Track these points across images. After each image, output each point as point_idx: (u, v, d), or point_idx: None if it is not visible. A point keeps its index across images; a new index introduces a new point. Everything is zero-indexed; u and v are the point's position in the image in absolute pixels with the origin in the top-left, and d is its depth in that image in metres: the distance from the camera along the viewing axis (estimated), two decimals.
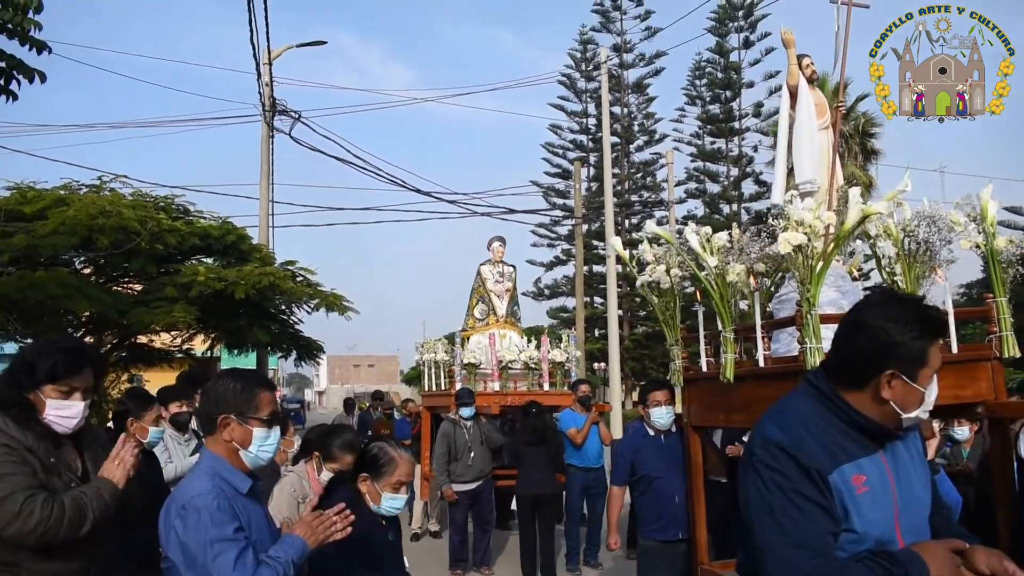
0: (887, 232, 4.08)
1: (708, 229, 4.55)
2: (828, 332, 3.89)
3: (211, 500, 2.34)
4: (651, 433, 5.24)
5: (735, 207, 40.11)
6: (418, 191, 17.59)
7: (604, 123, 21.39)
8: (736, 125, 39.80)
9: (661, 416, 5.15)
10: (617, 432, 18.88)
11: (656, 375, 42.34)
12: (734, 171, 40.29)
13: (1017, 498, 3.85)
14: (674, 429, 5.22)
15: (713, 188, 40.94)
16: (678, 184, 36.60)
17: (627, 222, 40.62)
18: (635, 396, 41.41)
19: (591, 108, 41.60)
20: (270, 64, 16.66)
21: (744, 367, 4.31)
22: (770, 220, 4.19)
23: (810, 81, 4.82)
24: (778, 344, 4.58)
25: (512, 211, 20.49)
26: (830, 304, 4.51)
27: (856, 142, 31.13)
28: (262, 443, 2.54)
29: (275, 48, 17.06)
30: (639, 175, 41.33)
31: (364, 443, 3.41)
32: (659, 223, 38.68)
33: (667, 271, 4.83)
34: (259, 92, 16.73)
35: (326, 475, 4.21)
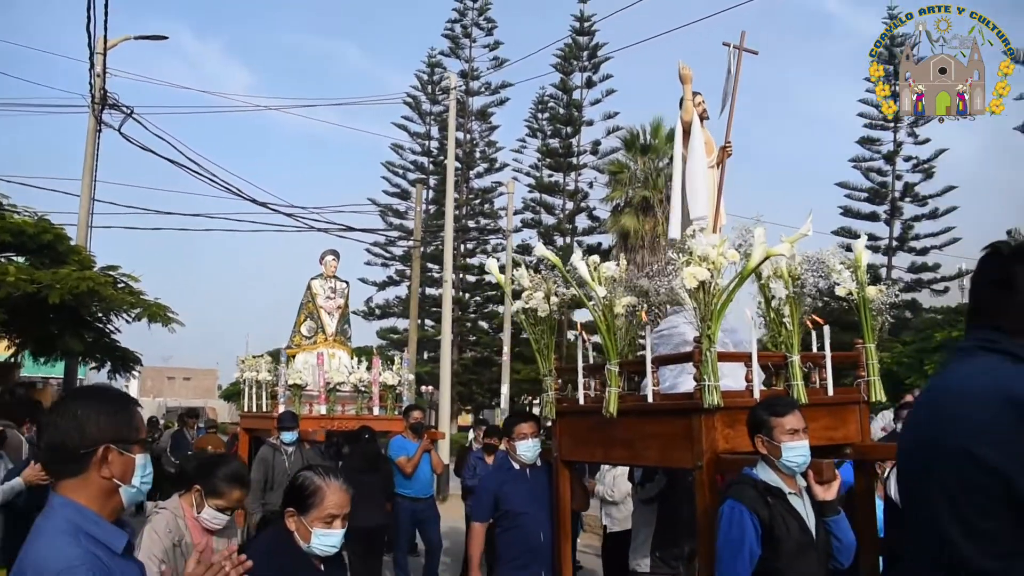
0: (777, 273, 4.08)
1: (596, 258, 4.41)
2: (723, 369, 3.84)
3: (85, 574, 1.82)
4: (516, 467, 5.01)
5: (569, 240, 41.11)
6: (255, 201, 16.71)
7: (450, 148, 21.28)
8: (574, 160, 40.89)
9: (528, 449, 4.94)
10: (446, 458, 18.60)
11: (482, 401, 42.47)
12: (569, 204, 41.33)
13: (882, 536, 3.91)
14: (539, 463, 5.02)
15: (548, 220, 41.81)
16: (515, 213, 37.10)
17: (463, 247, 40.67)
18: (460, 421, 41.34)
19: (434, 131, 41.55)
20: (104, 53, 15.34)
21: (628, 402, 4.18)
22: (670, 254, 4.10)
23: (701, 119, 4.82)
24: (667, 380, 4.50)
25: (350, 228, 19.95)
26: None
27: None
28: (143, 472, 2.07)
29: (112, 37, 15.72)
30: (478, 201, 41.59)
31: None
32: (495, 250, 38.84)
33: (546, 298, 4.65)
34: (90, 83, 15.36)
35: (209, 513, 3.56)
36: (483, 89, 41.04)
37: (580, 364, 4.53)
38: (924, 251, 37.65)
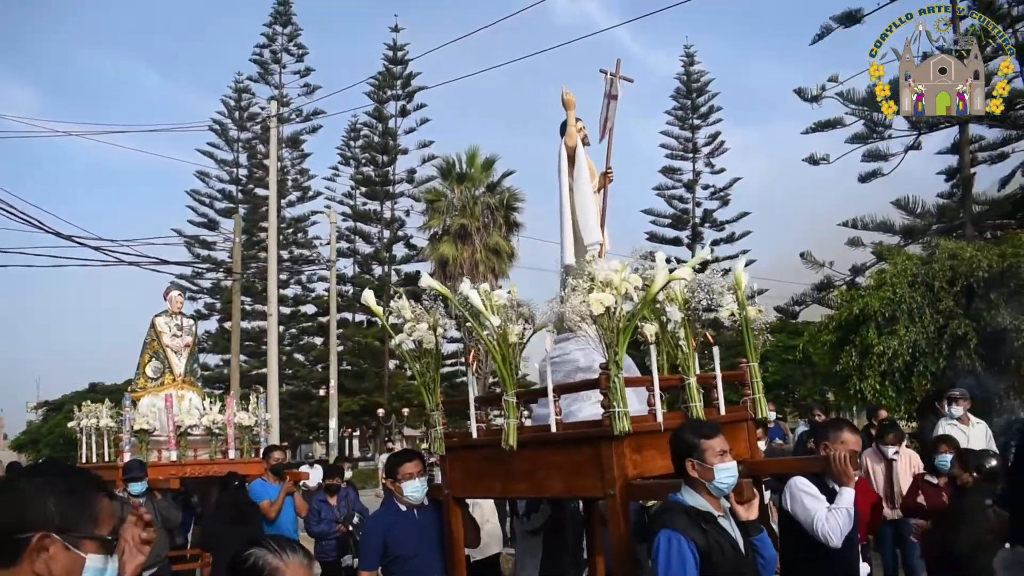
0: (670, 297, 4.10)
1: (487, 286, 4.27)
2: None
3: None
4: (403, 509, 4.74)
5: (386, 268, 40.71)
6: (59, 234, 15.13)
7: (272, 175, 20.45)
8: (390, 189, 40.63)
9: (415, 490, 4.69)
10: None
11: (300, 436, 40.93)
12: (386, 233, 40.95)
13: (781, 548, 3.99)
14: (426, 502, 4.78)
15: (365, 248, 41.23)
16: (328, 243, 36.29)
17: (277, 278, 39.19)
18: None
19: (243, 158, 39.99)
20: None
21: (528, 432, 4.05)
22: (569, 279, 4.03)
23: (583, 144, 4.81)
24: (547, 408, 4.40)
25: (164, 261, 18.51)
26: (587, 370, 4.46)
27: (501, 215, 33.07)
28: None
29: None
30: (291, 231, 40.31)
31: None
32: (310, 280, 37.60)
33: (432, 329, 4.45)
34: None
35: None
36: (294, 116, 40.00)
37: (472, 396, 4.35)
38: (724, 273, 40.25)
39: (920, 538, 5.81)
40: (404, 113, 40.32)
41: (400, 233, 40.80)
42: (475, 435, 4.31)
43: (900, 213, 24.07)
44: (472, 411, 4.34)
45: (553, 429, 3.89)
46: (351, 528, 7.63)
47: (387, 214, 41.03)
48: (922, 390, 12.49)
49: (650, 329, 4.01)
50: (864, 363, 13.10)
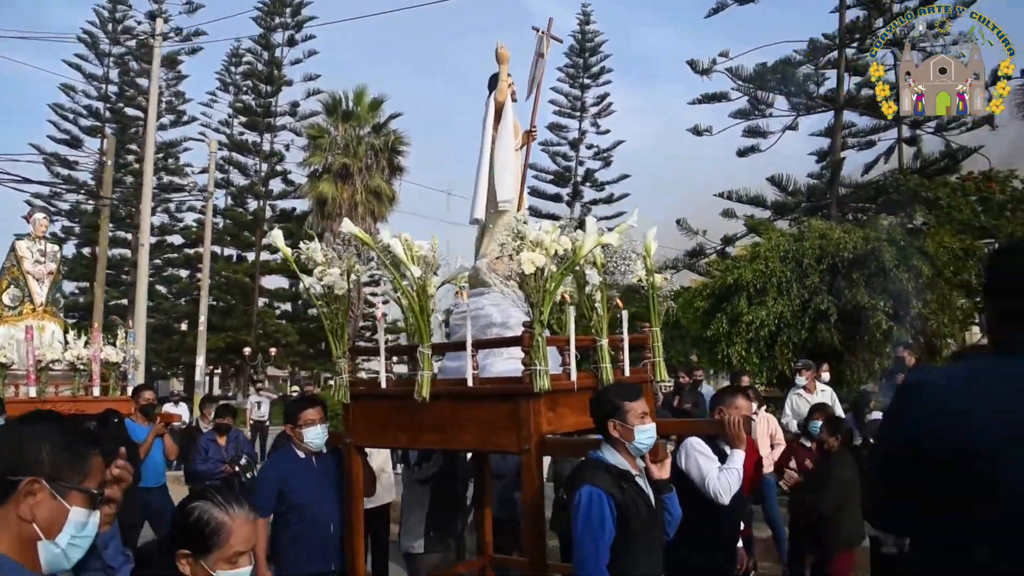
0: (590, 262, 4.17)
1: (408, 235, 4.21)
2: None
3: None
4: (301, 455, 4.67)
5: (262, 203, 39.40)
6: None
7: (152, 97, 19.27)
8: (272, 121, 39.13)
9: (316, 436, 4.63)
10: None
11: (159, 371, 39.37)
12: (264, 166, 39.56)
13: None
14: (325, 450, 4.73)
15: (241, 180, 39.73)
16: (205, 171, 34.75)
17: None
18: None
19: (114, 74, 37.54)
20: None
21: (442, 385, 4.06)
22: (493, 238, 4.02)
23: (512, 100, 4.77)
24: (457, 362, 4.42)
25: (27, 180, 17.24)
26: (503, 326, 4.51)
27: (384, 157, 32.51)
28: (77, 532, 1.60)
29: None
30: (161, 156, 38.27)
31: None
32: (178, 210, 35.85)
33: (347, 275, 4.37)
34: None
35: None
36: (172, 34, 37.68)
37: (382, 346, 4.31)
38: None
39: (789, 488, 6.24)
40: (292, 43, 38.75)
41: (278, 168, 39.49)
42: (384, 385, 4.28)
43: (773, 189, 25.23)
44: (382, 361, 4.30)
45: (470, 383, 3.91)
46: (237, 470, 7.46)
47: (266, 147, 39.58)
48: (784, 359, 13.26)
49: (569, 291, 4.08)
50: (733, 330, 13.77)
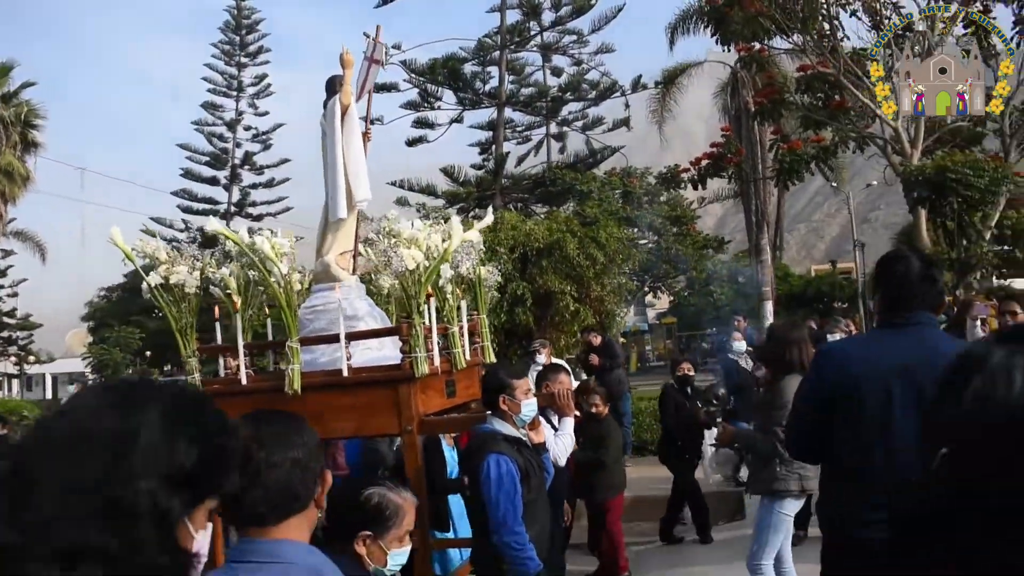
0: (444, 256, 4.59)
1: (269, 232, 4.33)
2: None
3: None
4: None
5: None
6: None
7: None
8: None
9: None
10: None
11: None
12: None
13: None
14: None
15: None
16: None
17: None
18: None
19: None
20: None
21: (318, 377, 4.26)
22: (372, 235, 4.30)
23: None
24: (315, 354, 4.60)
25: None
26: (369, 316, 4.79)
27: (17, 131, 28.93)
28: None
29: None
30: None
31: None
32: None
33: (200, 273, 4.36)
34: None
35: None
36: None
37: (241, 343, 4.38)
38: (259, 218, 39.95)
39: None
40: None
41: None
42: (244, 381, 4.36)
43: (445, 179, 26.68)
44: (241, 357, 4.38)
45: (345, 373, 4.17)
46: None
47: None
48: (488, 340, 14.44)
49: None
50: None
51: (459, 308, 4.86)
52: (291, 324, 4.25)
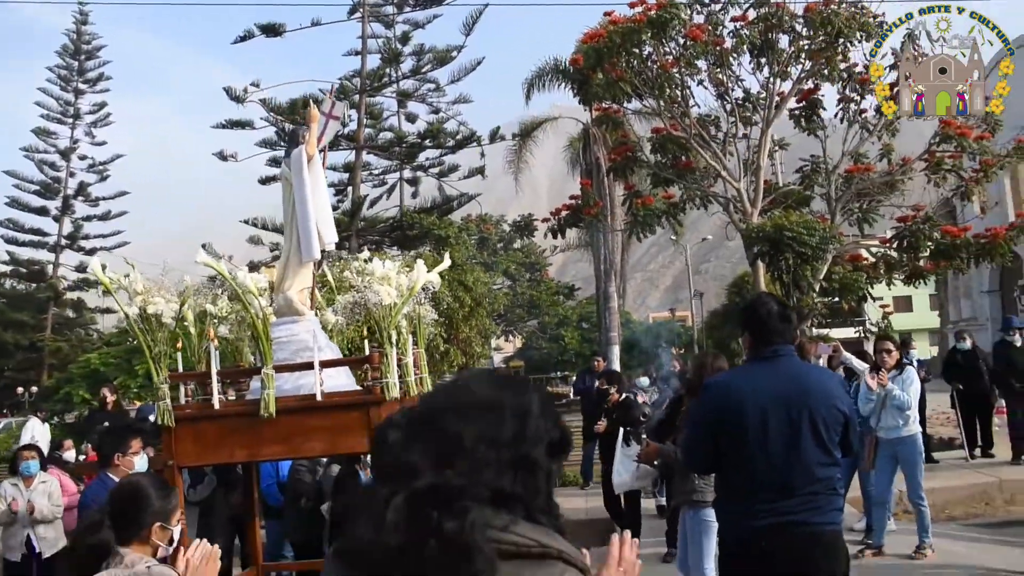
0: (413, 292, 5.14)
1: (246, 269, 4.74)
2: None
3: None
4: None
5: None
6: None
7: None
8: None
9: (142, 466, 4.79)
10: None
11: None
12: None
13: None
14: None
15: None
16: None
17: None
18: None
19: None
20: None
21: (291, 402, 4.67)
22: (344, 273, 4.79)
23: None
24: (279, 381, 5.00)
25: None
26: (328, 347, 5.24)
27: None
28: None
29: None
30: None
31: None
32: None
33: (182, 304, 4.71)
34: None
35: None
36: None
37: (214, 370, 4.72)
38: (93, 251, 37.98)
39: None
40: None
41: None
42: (217, 406, 4.71)
43: None
44: (215, 383, 4.72)
45: (319, 398, 4.63)
46: None
47: None
48: None
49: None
50: None
51: (409, 341, 5.42)
52: (267, 352, 4.67)
